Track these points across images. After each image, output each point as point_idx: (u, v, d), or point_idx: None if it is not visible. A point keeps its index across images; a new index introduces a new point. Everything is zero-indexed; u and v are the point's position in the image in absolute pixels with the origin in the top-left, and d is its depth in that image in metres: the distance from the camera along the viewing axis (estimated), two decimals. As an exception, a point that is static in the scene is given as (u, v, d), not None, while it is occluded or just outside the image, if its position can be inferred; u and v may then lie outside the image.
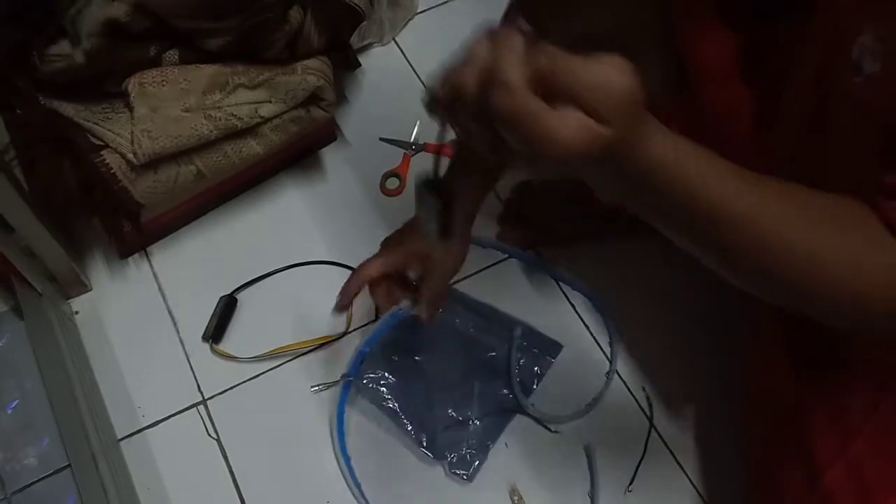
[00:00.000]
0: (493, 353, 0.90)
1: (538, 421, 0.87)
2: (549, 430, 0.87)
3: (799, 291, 0.49)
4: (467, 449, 0.85)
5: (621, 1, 0.61)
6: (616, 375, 0.90)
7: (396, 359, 0.88)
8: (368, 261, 0.80)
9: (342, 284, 0.81)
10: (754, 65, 0.57)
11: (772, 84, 0.56)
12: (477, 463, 0.84)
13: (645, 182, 0.44)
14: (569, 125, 0.39)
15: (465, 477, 0.84)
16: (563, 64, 0.39)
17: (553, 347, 0.91)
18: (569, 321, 0.94)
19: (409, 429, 0.85)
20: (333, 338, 0.90)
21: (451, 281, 0.81)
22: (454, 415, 0.86)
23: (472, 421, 0.86)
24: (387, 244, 0.82)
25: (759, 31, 0.55)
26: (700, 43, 0.57)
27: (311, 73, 0.89)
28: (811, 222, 0.47)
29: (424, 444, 0.84)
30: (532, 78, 0.39)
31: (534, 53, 0.39)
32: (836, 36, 0.48)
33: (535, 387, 0.89)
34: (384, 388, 0.86)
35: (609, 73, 0.39)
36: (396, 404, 0.86)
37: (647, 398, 0.89)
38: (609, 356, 0.91)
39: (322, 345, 0.90)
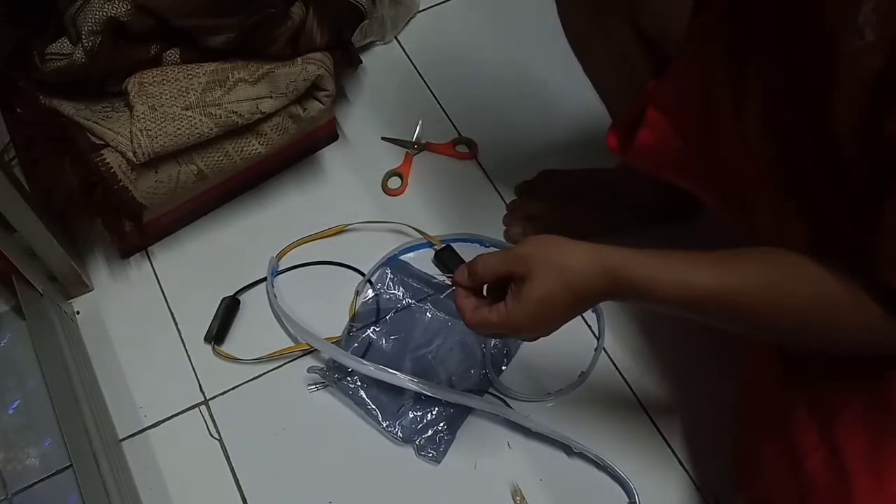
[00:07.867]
0: (466, 336, 0.91)
1: (504, 402, 0.87)
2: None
3: (804, 339, 0.59)
4: (435, 431, 0.85)
5: None
6: (605, 368, 0.90)
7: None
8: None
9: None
10: (737, 38, 0.60)
11: (748, 58, 0.59)
12: (445, 445, 0.85)
13: (637, 298, 0.58)
14: (491, 308, 0.60)
15: (433, 458, 0.84)
16: (481, 265, 0.61)
17: None
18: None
19: (376, 414, 0.85)
20: (336, 339, 0.90)
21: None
22: (422, 397, 0.86)
23: (441, 403, 0.86)
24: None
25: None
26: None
27: (311, 62, 0.88)
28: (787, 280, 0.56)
29: (392, 428, 0.85)
30: (474, 288, 0.62)
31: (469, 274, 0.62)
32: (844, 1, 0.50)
33: (504, 367, 0.90)
34: (349, 378, 0.87)
35: (515, 249, 0.59)
36: (363, 392, 0.86)
37: (636, 396, 0.89)
38: (595, 348, 0.91)
39: (324, 345, 0.90)
